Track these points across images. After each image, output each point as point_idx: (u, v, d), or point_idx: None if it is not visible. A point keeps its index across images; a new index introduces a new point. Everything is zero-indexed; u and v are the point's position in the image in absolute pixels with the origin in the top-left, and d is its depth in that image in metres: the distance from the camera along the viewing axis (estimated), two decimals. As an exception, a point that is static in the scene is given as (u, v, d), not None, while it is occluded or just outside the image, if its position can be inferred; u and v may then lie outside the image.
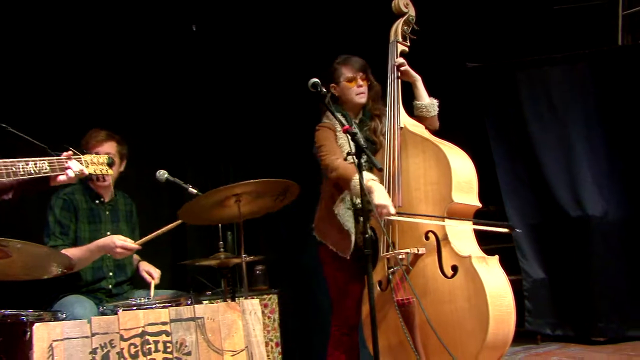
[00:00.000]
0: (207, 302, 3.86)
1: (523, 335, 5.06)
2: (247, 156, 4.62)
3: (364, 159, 3.12)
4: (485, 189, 5.17)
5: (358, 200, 3.47)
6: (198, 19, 4.55)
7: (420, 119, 3.60)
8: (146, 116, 4.44)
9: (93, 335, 2.25)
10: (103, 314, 2.97)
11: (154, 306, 2.94)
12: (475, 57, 5.31)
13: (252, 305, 2.61)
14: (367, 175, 3.27)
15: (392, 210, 3.21)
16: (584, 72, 5.15)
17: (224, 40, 4.68)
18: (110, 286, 3.43)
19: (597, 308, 4.89)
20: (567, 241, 5.02)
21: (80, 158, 2.70)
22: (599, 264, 4.91)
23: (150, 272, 3.51)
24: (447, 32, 5.39)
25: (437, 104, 3.61)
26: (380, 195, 3.20)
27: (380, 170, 2.97)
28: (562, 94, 5.17)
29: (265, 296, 4.15)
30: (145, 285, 3.51)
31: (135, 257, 3.69)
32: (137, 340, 2.31)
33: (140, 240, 3.27)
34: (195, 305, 2.52)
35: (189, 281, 4.21)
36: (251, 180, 2.94)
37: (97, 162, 2.76)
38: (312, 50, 4.63)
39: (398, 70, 3.58)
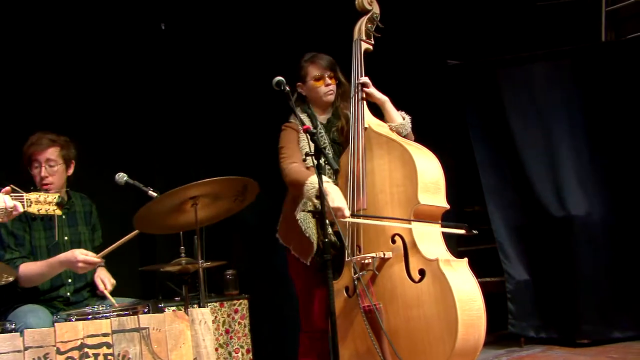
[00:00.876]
0: (174, 308, 3.81)
1: (506, 338, 5.03)
2: (219, 159, 4.55)
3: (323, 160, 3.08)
4: (470, 190, 5.20)
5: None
6: (166, 18, 4.46)
7: None
8: (114, 118, 4.39)
9: (26, 349, 2.17)
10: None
11: (109, 315, 2.85)
12: (456, 54, 5.24)
13: (203, 314, 2.53)
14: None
15: (347, 213, 3.15)
16: (567, 69, 5.08)
17: (191, 39, 4.63)
18: (68, 294, 3.36)
19: (581, 310, 4.80)
20: (551, 242, 4.93)
21: (22, 197, 2.55)
22: (583, 264, 4.83)
23: (104, 281, 3.42)
24: (427, 28, 5.33)
25: (410, 120, 3.54)
26: (335, 198, 3.14)
27: (337, 171, 2.89)
28: (545, 92, 5.09)
29: (235, 301, 4.08)
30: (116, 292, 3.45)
31: None
32: (76, 354, 2.23)
33: (101, 253, 3.19)
34: (140, 315, 2.44)
35: (158, 287, 4.13)
36: (205, 180, 2.86)
37: (44, 202, 2.58)
38: (281, 47, 4.55)
39: (362, 89, 3.50)
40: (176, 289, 3.85)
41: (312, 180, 3.19)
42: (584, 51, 5.08)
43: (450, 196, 5.01)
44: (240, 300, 4.13)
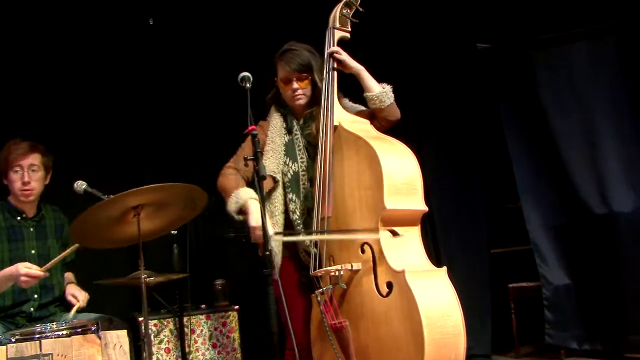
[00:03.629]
0: (156, 321, 3.75)
1: (545, 349, 4.73)
2: (194, 166, 4.53)
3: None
4: (511, 185, 4.86)
5: (295, 216, 3.23)
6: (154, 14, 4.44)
7: (376, 111, 3.29)
8: (77, 126, 4.41)
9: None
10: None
11: (55, 334, 2.79)
12: (485, 36, 4.90)
13: (118, 337, 2.46)
14: (246, 192, 3.10)
15: (270, 232, 2.88)
16: (612, 47, 4.62)
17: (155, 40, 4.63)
18: (32, 309, 3.36)
19: (629, 318, 4.40)
20: (593, 242, 4.55)
21: None
22: (631, 268, 4.41)
23: (76, 294, 3.41)
24: (452, 9, 5.00)
25: (391, 89, 3.28)
26: (253, 218, 3.00)
27: (263, 178, 2.71)
28: (586, 75, 4.66)
29: (223, 313, 3.95)
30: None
31: (68, 276, 3.62)
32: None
33: (45, 267, 3.15)
34: (44, 340, 2.37)
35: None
36: (143, 187, 2.75)
37: None
38: (269, 43, 4.41)
39: (333, 60, 3.29)
40: (162, 302, 3.79)
41: (238, 195, 3.09)
42: (631, 26, 4.59)
43: (485, 192, 4.93)
44: (229, 312, 4.01)
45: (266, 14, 4.81)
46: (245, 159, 2.76)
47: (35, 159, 3.39)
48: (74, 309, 3.30)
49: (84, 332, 2.78)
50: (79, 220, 2.78)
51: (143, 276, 2.84)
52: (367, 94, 3.26)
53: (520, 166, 4.76)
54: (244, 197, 3.10)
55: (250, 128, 2.77)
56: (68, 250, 3.13)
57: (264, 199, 2.65)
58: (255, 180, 2.69)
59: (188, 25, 4.81)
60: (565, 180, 4.61)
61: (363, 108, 3.38)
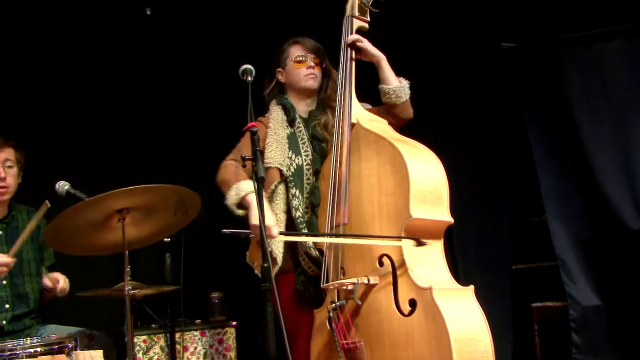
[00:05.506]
0: (145, 336, 3.50)
1: None
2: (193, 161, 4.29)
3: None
4: (536, 195, 4.61)
5: (298, 214, 2.98)
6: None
7: (389, 107, 3.11)
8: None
9: None
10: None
11: (26, 351, 2.57)
12: (511, 35, 4.64)
13: (92, 357, 2.17)
14: (247, 184, 2.86)
15: (274, 233, 2.77)
16: (649, 47, 4.35)
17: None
18: (4, 322, 3.12)
19: (666, 344, 4.10)
20: (626, 259, 4.25)
21: None
22: (668, 288, 4.12)
23: (58, 277, 3.19)
24: (477, 6, 4.78)
25: (408, 85, 3.11)
26: (255, 214, 2.73)
27: (262, 180, 2.45)
28: (620, 76, 4.37)
29: (219, 329, 3.71)
30: (56, 320, 3.24)
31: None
32: None
33: (11, 250, 2.95)
34: (14, 360, 2.09)
35: (135, 312, 3.80)
36: (129, 188, 2.53)
37: None
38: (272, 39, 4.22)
39: (352, 48, 3.10)
40: (153, 315, 3.52)
41: (239, 187, 2.87)
42: (672, 24, 4.33)
43: (508, 203, 4.69)
44: (226, 329, 3.77)
45: (266, 5, 4.66)
46: (243, 159, 2.51)
47: (10, 153, 3.23)
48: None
49: (60, 351, 2.61)
50: (54, 224, 2.55)
51: (127, 288, 2.61)
52: (384, 86, 3.09)
53: (546, 174, 4.48)
54: (245, 189, 2.87)
55: (249, 124, 2.53)
56: (37, 217, 2.91)
57: (262, 200, 2.39)
58: (254, 182, 2.42)
59: (185, 15, 4.63)
60: (595, 190, 4.32)
61: (370, 106, 3.20)
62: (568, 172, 4.46)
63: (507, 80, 4.72)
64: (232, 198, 2.89)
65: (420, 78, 4.60)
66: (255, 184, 2.43)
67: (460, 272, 4.52)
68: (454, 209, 4.39)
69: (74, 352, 2.50)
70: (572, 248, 4.37)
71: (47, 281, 3.23)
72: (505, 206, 4.76)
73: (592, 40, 4.45)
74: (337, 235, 2.86)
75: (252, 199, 2.80)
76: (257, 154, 2.46)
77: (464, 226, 4.58)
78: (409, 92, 3.10)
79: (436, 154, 2.96)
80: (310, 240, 2.96)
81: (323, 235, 2.91)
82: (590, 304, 4.30)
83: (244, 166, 2.56)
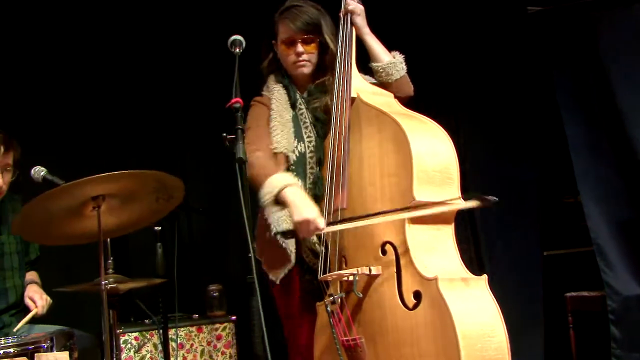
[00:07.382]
0: (137, 334, 3.42)
1: None
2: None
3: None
4: (569, 174, 4.43)
5: None
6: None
7: (384, 85, 2.93)
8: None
9: None
10: None
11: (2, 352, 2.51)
12: (538, -1, 4.51)
13: (55, 358, 2.07)
14: (281, 178, 2.68)
15: (321, 225, 2.59)
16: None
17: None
18: (-19, 319, 3.05)
19: None
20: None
21: None
22: None
23: (35, 298, 3.12)
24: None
25: (402, 60, 2.92)
26: (298, 210, 2.60)
27: (242, 162, 2.30)
28: (662, 39, 4.21)
29: (218, 325, 3.63)
30: (48, 318, 3.15)
31: (31, 276, 3.32)
32: None
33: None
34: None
35: (125, 307, 3.74)
36: (104, 174, 2.43)
37: None
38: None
39: (351, 15, 2.90)
40: (146, 311, 3.43)
41: (271, 184, 2.67)
42: None
43: (537, 183, 4.50)
44: (225, 324, 3.68)
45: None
46: (225, 138, 2.35)
47: (11, 157, 3.15)
48: (28, 316, 3.05)
49: (35, 351, 2.54)
50: (25, 211, 2.54)
51: (103, 282, 2.50)
52: (374, 64, 2.92)
53: (579, 151, 4.33)
54: (278, 184, 2.66)
55: (233, 100, 2.38)
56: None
57: (245, 187, 2.25)
58: (236, 167, 2.26)
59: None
60: (635, 167, 4.15)
61: (374, 80, 3.01)
62: (604, 148, 4.31)
63: (535, 49, 4.60)
64: (266, 197, 2.68)
65: (439, 50, 4.48)
66: (236, 166, 2.29)
67: (485, 261, 4.43)
68: (479, 192, 4.30)
69: (36, 354, 2.42)
70: (610, 232, 4.23)
71: (27, 300, 3.19)
72: (536, 187, 4.67)
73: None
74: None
75: (288, 193, 2.64)
76: (239, 132, 2.33)
77: (488, 211, 4.39)
78: (404, 67, 2.91)
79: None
80: (359, 224, 2.69)
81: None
82: (631, 294, 4.15)
83: (225, 143, 2.37)
